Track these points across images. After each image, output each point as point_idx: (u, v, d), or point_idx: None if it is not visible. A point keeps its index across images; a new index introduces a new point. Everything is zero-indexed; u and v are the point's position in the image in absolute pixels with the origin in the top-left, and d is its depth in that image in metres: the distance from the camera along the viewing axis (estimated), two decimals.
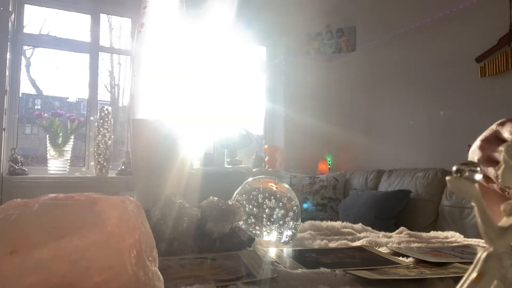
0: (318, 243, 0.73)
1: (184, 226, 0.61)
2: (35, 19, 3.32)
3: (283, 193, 0.75)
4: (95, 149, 3.11)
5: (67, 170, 3.08)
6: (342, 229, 0.89)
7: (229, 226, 0.64)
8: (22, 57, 3.20)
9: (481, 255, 0.21)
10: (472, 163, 0.22)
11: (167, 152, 0.76)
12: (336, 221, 0.99)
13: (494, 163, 0.52)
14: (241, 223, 0.70)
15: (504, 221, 0.21)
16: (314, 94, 3.99)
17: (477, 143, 0.55)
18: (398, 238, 0.84)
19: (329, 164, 3.87)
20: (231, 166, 3.36)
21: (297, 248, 0.68)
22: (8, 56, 2.80)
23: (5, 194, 2.75)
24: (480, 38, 2.54)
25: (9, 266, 0.23)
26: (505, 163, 0.22)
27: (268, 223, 0.72)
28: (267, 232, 0.73)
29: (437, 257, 0.61)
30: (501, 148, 0.22)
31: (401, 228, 0.95)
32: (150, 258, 0.30)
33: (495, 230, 0.21)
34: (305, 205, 3.10)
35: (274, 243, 0.71)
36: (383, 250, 0.68)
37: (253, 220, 0.73)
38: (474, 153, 0.55)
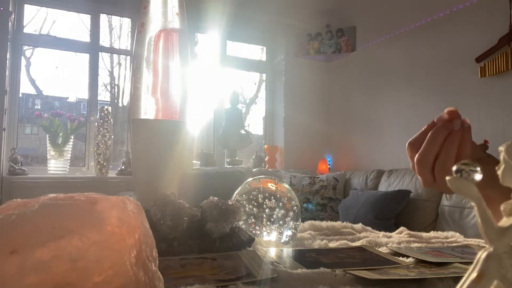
0: (318, 243, 0.73)
1: (184, 226, 0.61)
2: (35, 19, 3.32)
3: (283, 193, 0.75)
4: (95, 149, 3.11)
5: (67, 170, 3.08)
6: (342, 229, 0.89)
7: (229, 226, 0.64)
8: (22, 57, 3.20)
9: (481, 255, 0.21)
10: (472, 163, 0.22)
11: (167, 152, 0.76)
12: (336, 221, 0.99)
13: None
14: (241, 223, 0.70)
15: (504, 221, 0.21)
16: (314, 94, 3.99)
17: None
18: (398, 238, 0.84)
19: (329, 164, 3.87)
20: (231, 166, 3.36)
21: (297, 248, 0.68)
22: (8, 56, 2.80)
23: (5, 194, 2.75)
24: (480, 38, 2.54)
25: (9, 266, 0.23)
26: (505, 163, 0.22)
27: (268, 223, 0.72)
28: (267, 232, 0.73)
29: (437, 257, 0.61)
30: (501, 148, 0.22)
31: (401, 228, 0.95)
32: (150, 258, 0.30)
33: (495, 230, 0.21)
34: (309, 205, 3.09)
35: (274, 243, 0.71)
36: (383, 250, 0.68)
37: (253, 220, 0.73)
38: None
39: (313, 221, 0.95)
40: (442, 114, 0.53)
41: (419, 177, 0.56)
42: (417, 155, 0.53)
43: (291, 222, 0.73)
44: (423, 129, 0.55)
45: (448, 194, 0.58)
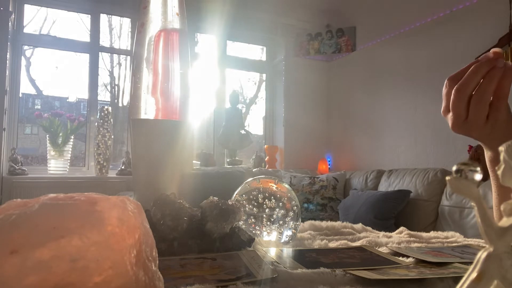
0: (318, 243, 0.73)
1: (184, 226, 0.61)
2: (35, 19, 3.32)
3: (283, 193, 0.75)
4: (95, 149, 3.11)
5: (67, 170, 3.08)
6: (342, 229, 0.89)
7: (229, 226, 0.64)
8: (22, 57, 3.20)
9: (481, 255, 0.21)
10: (472, 163, 0.22)
11: (167, 152, 0.76)
12: (336, 221, 0.99)
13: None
14: (241, 223, 0.70)
15: (504, 221, 0.21)
16: (314, 94, 3.99)
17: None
18: (398, 238, 0.84)
19: (329, 164, 3.87)
20: (231, 166, 3.36)
21: (297, 248, 0.68)
22: (8, 56, 2.80)
23: (5, 194, 2.75)
24: (480, 38, 2.54)
25: (9, 266, 0.23)
26: (505, 163, 0.22)
27: (268, 223, 0.72)
28: (267, 232, 0.73)
29: (437, 257, 0.61)
30: (501, 148, 0.22)
31: (401, 228, 0.95)
32: (150, 258, 0.30)
33: (495, 230, 0.21)
34: (309, 205, 3.09)
35: (274, 243, 0.71)
36: (383, 250, 0.68)
37: (253, 220, 0.73)
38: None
39: (313, 221, 0.95)
40: (488, 53, 0.54)
41: (450, 116, 0.54)
42: (456, 85, 0.53)
43: (291, 222, 0.74)
44: (466, 66, 0.54)
45: (475, 139, 0.57)
